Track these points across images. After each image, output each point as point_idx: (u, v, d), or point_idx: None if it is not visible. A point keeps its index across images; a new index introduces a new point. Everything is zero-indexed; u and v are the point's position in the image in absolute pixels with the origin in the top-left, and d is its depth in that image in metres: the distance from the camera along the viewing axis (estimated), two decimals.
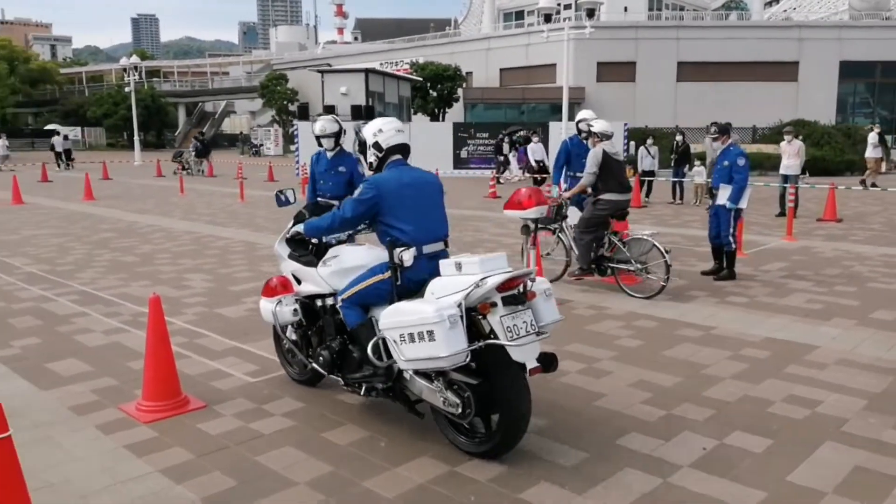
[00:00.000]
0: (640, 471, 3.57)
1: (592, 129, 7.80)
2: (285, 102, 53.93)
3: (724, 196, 8.11)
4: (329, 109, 31.45)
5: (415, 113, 41.57)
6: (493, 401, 3.62)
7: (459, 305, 3.47)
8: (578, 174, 8.09)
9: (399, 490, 3.39)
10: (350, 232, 4.46)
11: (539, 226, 7.29)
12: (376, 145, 4.15)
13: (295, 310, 4.54)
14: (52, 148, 33.92)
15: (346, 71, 34.50)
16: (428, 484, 3.45)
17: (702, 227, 11.73)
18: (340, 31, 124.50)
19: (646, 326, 6.25)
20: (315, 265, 4.42)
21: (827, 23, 48.02)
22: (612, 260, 7.49)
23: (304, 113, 35.86)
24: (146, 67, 54.83)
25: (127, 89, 39.75)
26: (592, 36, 23.06)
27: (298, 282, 4.60)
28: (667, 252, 7.09)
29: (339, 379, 4.26)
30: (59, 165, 32.56)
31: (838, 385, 4.76)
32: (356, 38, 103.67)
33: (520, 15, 68.23)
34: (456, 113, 45.65)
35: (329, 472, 3.57)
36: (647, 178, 17.13)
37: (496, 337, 3.50)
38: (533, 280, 3.76)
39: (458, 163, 28.17)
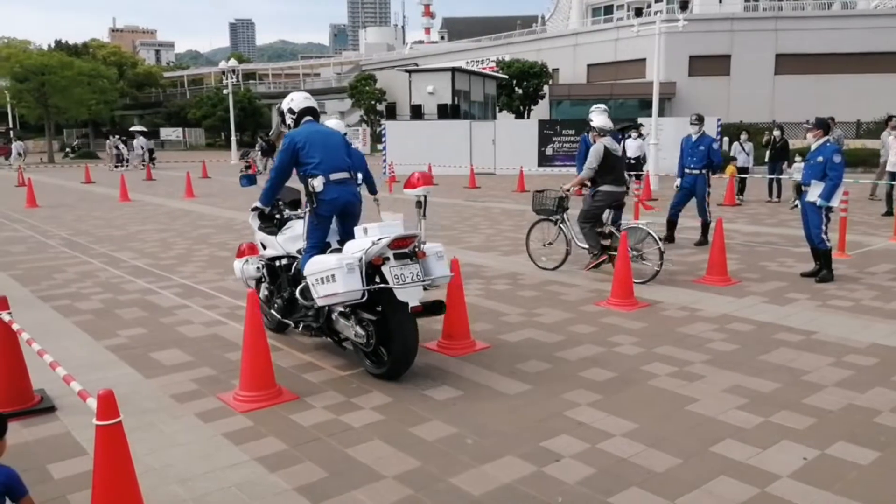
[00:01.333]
0: (735, 479, 3.44)
1: (592, 125, 8.28)
2: (373, 102, 54.93)
3: (814, 193, 7.75)
4: (416, 109, 31.85)
5: (500, 110, 41.47)
6: (388, 332, 4.70)
7: (360, 259, 4.58)
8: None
9: (485, 488, 3.39)
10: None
11: (540, 217, 8.53)
12: (290, 110, 5.47)
13: (258, 268, 5.83)
14: (134, 148, 36.36)
15: (432, 70, 34.77)
16: (514, 483, 3.44)
17: (799, 227, 11.16)
18: (427, 30, 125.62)
19: (741, 329, 6.02)
20: (276, 235, 5.63)
21: None
22: (610, 248, 7.87)
23: (391, 112, 36.44)
24: (243, 70, 57.08)
25: (225, 91, 41.37)
26: (685, 29, 22.36)
27: (265, 248, 5.81)
28: (661, 240, 7.63)
29: (290, 322, 5.46)
30: (142, 165, 34.64)
31: None
32: (443, 38, 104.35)
33: (608, 10, 66.90)
34: (541, 110, 45.27)
35: (417, 467, 3.61)
36: (741, 176, 16.46)
37: (387, 283, 4.58)
38: (423, 243, 4.82)
39: (543, 160, 27.91)
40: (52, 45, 65.14)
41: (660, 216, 12.03)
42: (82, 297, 7.48)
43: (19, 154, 36.23)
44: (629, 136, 20.40)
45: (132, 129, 44.58)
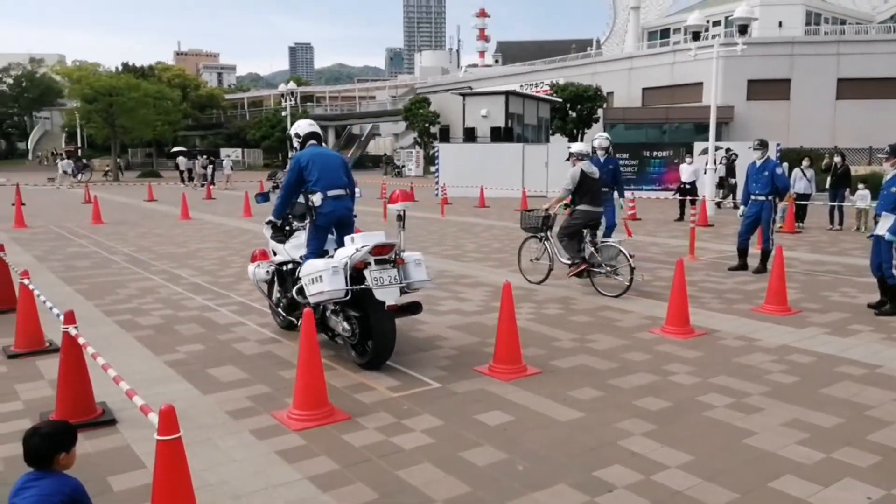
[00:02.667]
0: None
1: (570, 150, 8.99)
2: (427, 125, 55.48)
3: (884, 226, 7.44)
4: (469, 131, 32.05)
5: (553, 134, 41.40)
6: (369, 327, 5.44)
7: (346, 264, 5.32)
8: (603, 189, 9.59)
9: None
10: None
11: (528, 235, 9.28)
12: (297, 135, 6.31)
13: (267, 271, 6.62)
14: (178, 167, 37.84)
15: (486, 93, 34.99)
16: None
17: (862, 256, 10.83)
18: (482, 54, 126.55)
19: (801, 361, 5.84)
20: (284, 243, 6.41)
21: None
22: (589, 264, 8.56)
23: (445, 135, 36.72)
24: (301, 93, 58.39)
25: (283, 113, 42.39)
26: (744, 53, 21.97)
27: (275, 254, 6.60)
28: (631, 257, 8.18)
29: (294, 319, 6.35)
30: (184, 182, 35.96)
31: None
32: (497, 61, 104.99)
33: (665, 33, 66.44)
34: (594, 134, 44.99)
35: (467, 492, 3.60)
36: (801, 202, 16.02)
37: (367, 284, 5.31)
38: (402, 251, 5.60)
39: None
40: (120, 67, 67.88)
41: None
42: (143, 313, 7.71)
43: (65, 172, 37.75)
44: (686, 162, 20.15)
45: (174, 150, 46.27)
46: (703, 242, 13.02)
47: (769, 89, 43.31)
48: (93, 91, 47.02)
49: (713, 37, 24.16)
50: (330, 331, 5.87)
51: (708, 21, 37.72)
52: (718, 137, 24.87)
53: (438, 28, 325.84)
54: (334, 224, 6.04)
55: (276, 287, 6.65)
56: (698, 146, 24.10)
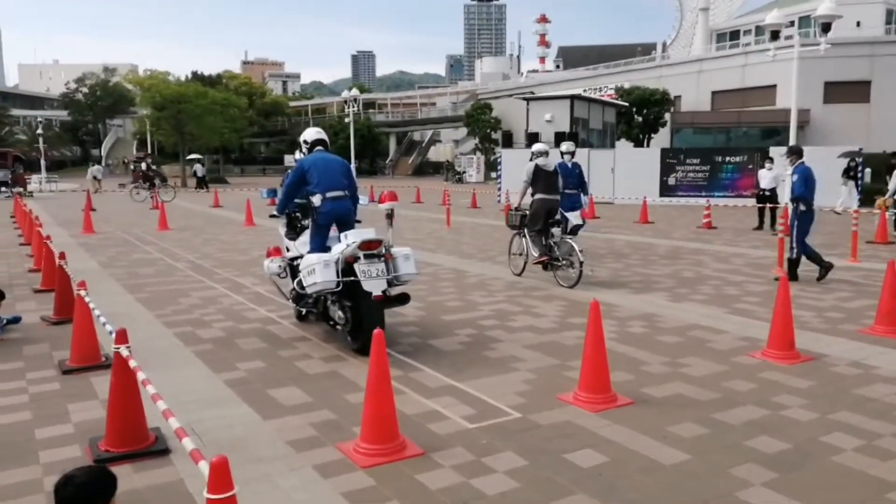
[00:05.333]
0: None
1: (533, 149, 10.20)
2: (488, 131, 54.98)
3: None
4: (533, 137, 31.38)
5: (618, 138, 40.32)
6: (360, 316, 5.98)
7: (337, 259, 5.95)
8: (566, 190, 10.78)
9: None
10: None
11: (514, 232, 10.39)
12: (305, 142, 6.88)
13: (279, 265, 7.12)
14: (195, 174, 38.65)
15: (551, 98, 34.23)
16: None
17: None
18: (542, 59, 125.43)
19: None
20: (294, 240, 7.04)
21: None
22: (552, 257, 9.60)
23: (508, 141, 36.16)
24: (363, 100, 58.77)
25: (346, 120, 42.55)
26: (819, 54, 20.73)
27: (288, 250, 7.18)
28: (580, 251, 9.15)
29: (302, 309, 6.95)
30: (199, 189, 36.73)
31: None
32: (558, 66, 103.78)
33: (734, 35, 64.41)
34: (661, 138, 43.71)
35: None
36: None
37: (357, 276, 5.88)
38: (390, 246, 6.18)
39: (666, 190, 26.72)
40: (189, 75, 69.64)
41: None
42: (204, 325, 7.43)
43: (95, 178, 38.70)
44: (765, 167, 19.04)
45: (189, 157, 47.21)
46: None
47: (848, 91, 41.25)
48: (162, 99, 48.21)
49: (786, 38, 22.94)
50: (330, 319, 6.43)
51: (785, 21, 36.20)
52: (794, 142, 23.54)
53: (499, 34, 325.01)
54: (335, 222, 6.54)
55: (293, 282, 7.01)
56: (777, 150, 22.76)
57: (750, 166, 26.16)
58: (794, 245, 9.73)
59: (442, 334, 6.93)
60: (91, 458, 4.01)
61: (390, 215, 6.49)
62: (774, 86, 42.52)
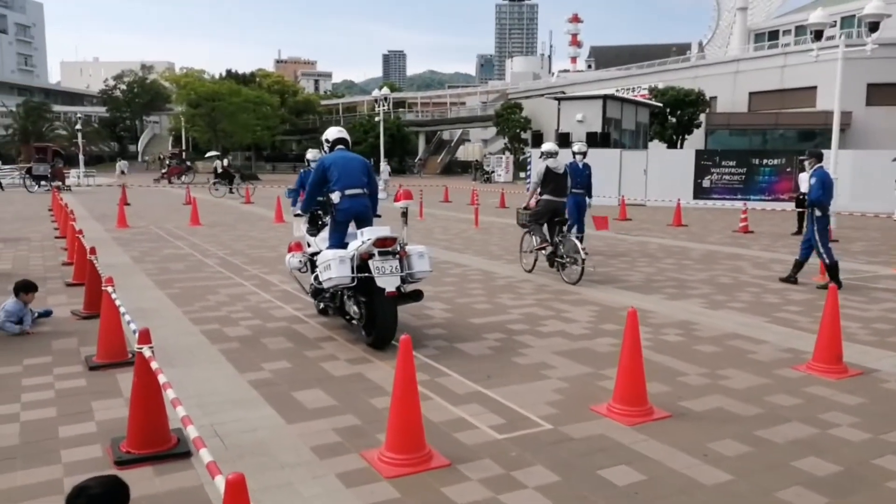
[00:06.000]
0: None
1: (542, 150, 10.56)
2: (518, 130, 54.62)
3: None
4: (564, 137, 31.06)
5: (651, 140, 39.74)
6: (374, 311, 6.14)
7: (353, 255, 6.10)
8: (573, 189, 10.93)
9: None
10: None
11: (524, 230, 10.81)
12: (326, 140, 7.08)
13: (300, 260, 7.30)
14: (215, 171, 39.06)
15: (583, 98, 33.84)
16: None
17: None
18: (574, 59, 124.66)
19: None
20: (315, 236, 7.23)
21: None
22: (556, 255, 10.04)
23: (539, 140, 35.86)
24: (393, 98, 58.81)
25: (377, 119, 42.57)
26: (862, 55, 20.10)
27: (309, 246, 7.33)
28: (583, 250, 9.57)
29: (320, 303, 7.23)
30: (217, 188, 37.10)
31: None
32: (590, 66, 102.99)
33: (773, 35, 63.29)
34: (695, 140, 42.99)
35: None
36: None
37: (371, 272, 6.01)
38: (405, 244, 6.40)
39: (700, 192, 26.22)
40: (224, 73, 70.37)
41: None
42: (231, 322, 7.36)
43: (122, 172, 39.36)
44: (805, 170, 18.53)
45: (207, 155, 47.74)
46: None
47: (892, 94, 40.18)
48: (197, 96, 48.80)
49: (827, 38, 22.31)
50: (347, 314, 6.63)
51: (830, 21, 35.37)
52: (836, 145, 22.92)
53: (530, 34, 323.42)
54: (353, 219, 6.68)
55: (312, 276, 7.14)
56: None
57: (788, 169, 25.56)
58: (822, 252, 9.55)
59: (470, 338, 6.77)
60: (112, 458, 3.93)
61: (405, 213, 6.64)
62: (815, 87, 41.61)
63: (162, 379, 3.31)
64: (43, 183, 33.16)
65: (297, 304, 8.31)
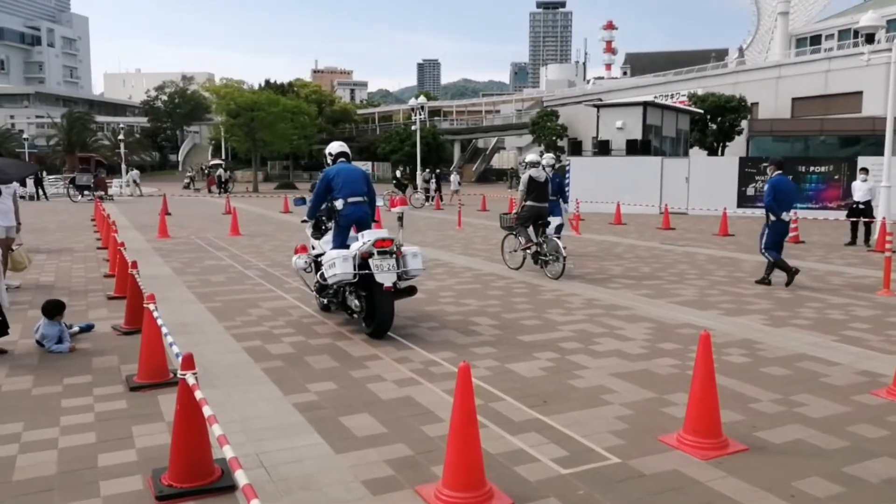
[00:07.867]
0: None
1: (526, 160, 11.58)
2: (554, 138, 54.13)
3: None
4: (603, 145, 30.57)
5: (691, 147, 38.96)
6: (373, 305, 6.94)
7: (354, 254, 6.84)
8: (552, 197, 11.93)
9: None
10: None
11: (507, 233, 12.21)
12: (329, 154, 7.87)
13: (306, 261, 8.05)
14: (219, 179, 39.59)
15: (622, 105, 33.30)
16: None
17: None
18: (608, 66, 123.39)
19: None
20: (319, 240, 7.95)
21: None
22: (540, 253, 11.18)
23: (576, 149, 35.42)
24: (428, 107, 58.74)
25: (413, 127, 42.51)
26: None
27: (314, 248, 8.04)
28: (564, 248, 10.80)
29: (324, 300, 7.86)
30: (219, 192, 37.38)
31: None
32: (625, 73, 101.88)
33: (815, 40, 61.86)
34: (736, 146, 42.06)
35: None
36: None
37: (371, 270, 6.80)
38: (401, 245, 7.15)
39: (744, 200, 25.51)
40: (262, 84, 71.14)
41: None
42: (274, 339, 7.16)
43: (134, 182, 39.70)
44: (859, 178, 17.81)
45: (211, 163, 48.38)
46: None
47: None
48: (236, 106, 49.30)
49: (877, 41, 21.52)
50: (349, 308, 7.33)
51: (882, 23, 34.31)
52: (876, 153, 22.11)
53: (564, 42, 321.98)
54: (354, 224, 7.41)
55: (317, 275, 7.68)
56: (866, 161, 21.27)
57: (836, 177, 24.77)
58: (763, 251, 10.38)
59: (521, 357, 6.46)
60: (154, 492, 3.71)
61: (401, 218, 8.01)
62: (860, 92, 40.52)
63: (207, 412, 3.08)
64: (87, 193, 33.73)
65: (339, 318, 8.08)
